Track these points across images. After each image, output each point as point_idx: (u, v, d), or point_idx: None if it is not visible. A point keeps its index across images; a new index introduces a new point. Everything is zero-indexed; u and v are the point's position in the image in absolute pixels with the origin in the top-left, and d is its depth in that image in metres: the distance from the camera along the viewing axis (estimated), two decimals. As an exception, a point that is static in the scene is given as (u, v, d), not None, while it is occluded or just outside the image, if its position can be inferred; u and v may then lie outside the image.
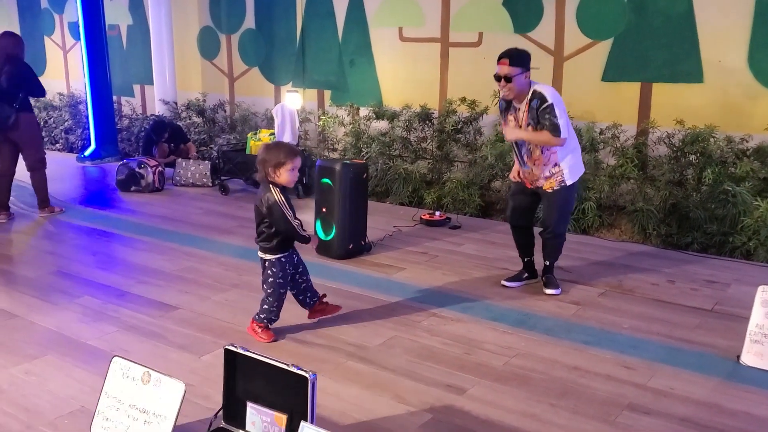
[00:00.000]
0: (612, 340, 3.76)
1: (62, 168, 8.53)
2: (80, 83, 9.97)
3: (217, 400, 2.87)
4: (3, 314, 4.07)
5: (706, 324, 3.99)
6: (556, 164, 4.20)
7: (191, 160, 7.85)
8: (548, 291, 4.42)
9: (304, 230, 3.61)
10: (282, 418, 2.58)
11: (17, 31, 10.78)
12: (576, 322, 4.00)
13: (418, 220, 6.22)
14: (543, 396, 3.16)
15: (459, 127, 6.92)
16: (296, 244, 3.69)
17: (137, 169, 7.42)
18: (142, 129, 9.01)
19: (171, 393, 2.54)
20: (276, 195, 3.51)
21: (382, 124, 7.37)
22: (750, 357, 3.46)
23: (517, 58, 4.06)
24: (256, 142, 7.29)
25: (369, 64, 7.73)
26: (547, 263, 4.49)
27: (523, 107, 4.15)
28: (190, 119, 9.19)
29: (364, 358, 3.53)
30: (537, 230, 4.52)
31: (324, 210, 5.17)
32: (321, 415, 2.87)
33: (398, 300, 4.33)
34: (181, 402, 2.52)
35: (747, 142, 5.53)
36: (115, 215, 6.48)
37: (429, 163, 7.13)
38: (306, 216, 4.37)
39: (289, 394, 2.53)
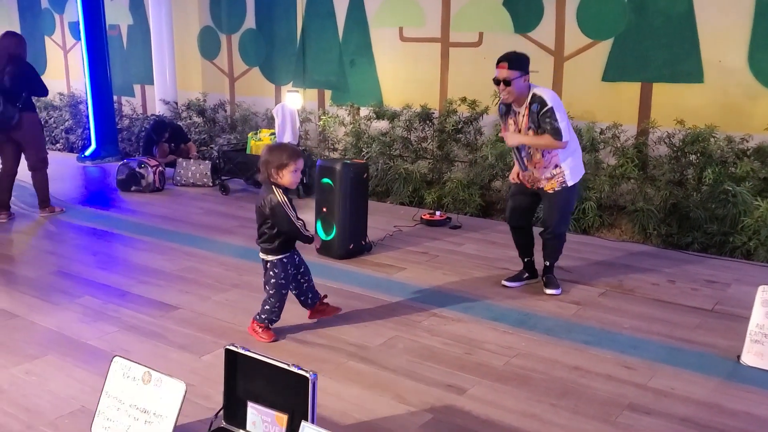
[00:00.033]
0: (612, 340, 3.76)
1: (63, 168, 8.53)
2: (81, 83, 9.97)
3: (217, 400, 2.87)
4: (3, 314, 4.07)
5: (707, 324, 4.00)
6: (557, 166, 4.20)
7: (192, 160, 7.85)
8: (549, 291, 4.42)
9: (307, 230, 3.62)
10: (283, 418, 2.58)
11: (17, 31, 10.76)
12: (576, 322, 4.01)
13: (418, 220, 6.23)
14: (543, 396, 3.17)
15: (459, 127, 6.92)
16: (298, 244, 3.69)
17: (138, 169, 7.43)
18: (143, 129, 9.01)
19: (172, 393, 2.54)
20: (279, 196, 3.52)
21: (382, 124, 7.37)
22: (750, 357, 3.46)
23: (516, 62, 4.06)
24: (257, 142, 7.29)
25: (369, 64, 7.73)
26: (548, 263, 4.49)
27: (523, 111, 4.15)
28: (190, 119, 9.19)
29: (365, 358, 3.53)
30: (536, 230, 4.52)
31: (324, 210, 5.17)
32: (322, 415, 2.87)
33: (399, 300, 4.33)
34: (182, 402, 2.53)
35: (747, 142, 5.53)
36: (115, 215, 6.48)
37: (429, 162, 7.13)
38: (306, 216, 4.36)
39: (290, 394, 2.53)
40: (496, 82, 4.11)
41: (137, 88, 10.24)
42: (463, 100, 6.84)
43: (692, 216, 5.48)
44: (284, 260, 3.63)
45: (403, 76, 7.50)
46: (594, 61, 6.27)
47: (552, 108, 4.01)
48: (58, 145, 10.29)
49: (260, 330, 3.70)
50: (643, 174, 5.86)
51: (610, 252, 5.34)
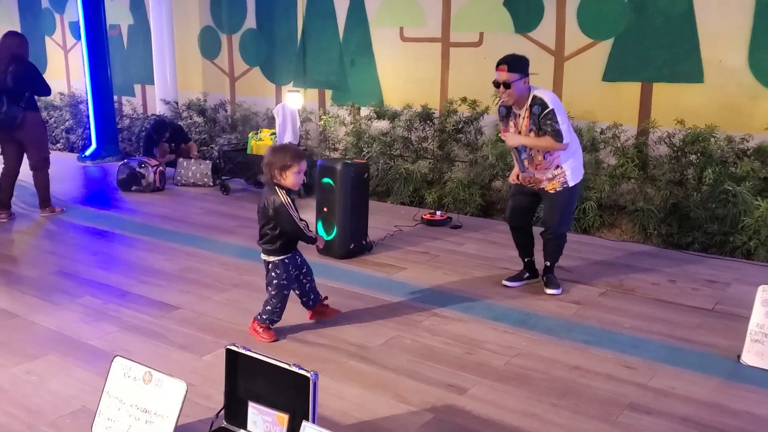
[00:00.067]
0: (613, 340, 3.76)
1: (63, 168, 8.52)
2: (81, 83, 9.97)
3: (218, 399, 2.87)
4: (4, 314, 4.07)
5: (707, 324, 4.00)
6: (558, 166, 4.21)
7: (192, 160, 7.86)
8: (549, 291, 4.42)
9: (309, 231, 3.63)
10: (283, 418, 2.58)
11: (18, 30, 10.77)
12: (577, 322, 4.01)
13: (419, 220, 6.23)
14: (544, 396, 3.17)
15: (460, 126, 6.93)
16: (300, 244, 3.70)
17: (138, 169, 7.43)
18: (143, 129, 9.01)
19: (172, 393, 2.55)
20: (282, 197, 3.53)
21: (383, 124, 7.37)
22: (750, 356, 3.46)
23: (516, 64, 4.05)
24: (257, 141, 7.29)
25: (370, 64, 7.73)
26: (548, 264, 4.49)
27: (523, 113, 4.15)
28: (191, 119, 9.19)
29: (366, 357, 3.54)
30: (537, 230, 4.53)
31: (325, 210, 5.17)
32: (322, 415, 2.87)
33: (399, 300, 4.33)
34: (183, 402, 2.53)
35: (747, 141, 5.53)
36: (116, 215, 6.49)
37: (430, 162, 7.13)
38: (307, 216, 4.37)
39: (291, 393, 2.53)
40: (496, 84, 4.11)
41: (138, 87, 10.24)
42: (464, 100, 6.84)
43: (692, 216, 5.48)
44: (286, 261, 3.63)
45: (404, 76, 7.50)
46: (594, 61, 6.27)
47: (553, 110, 4.01)
48: (58, 144, 10.30)
49: (261, 330, 3.70)
50: (643, 174, 5.86)
51: (610, 252, 5.35)
